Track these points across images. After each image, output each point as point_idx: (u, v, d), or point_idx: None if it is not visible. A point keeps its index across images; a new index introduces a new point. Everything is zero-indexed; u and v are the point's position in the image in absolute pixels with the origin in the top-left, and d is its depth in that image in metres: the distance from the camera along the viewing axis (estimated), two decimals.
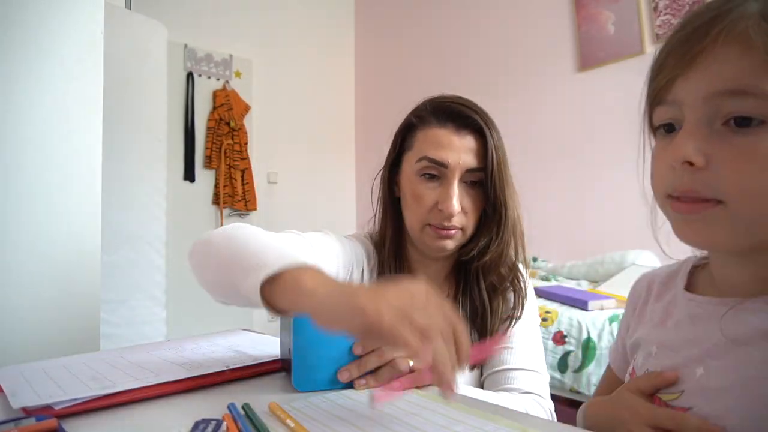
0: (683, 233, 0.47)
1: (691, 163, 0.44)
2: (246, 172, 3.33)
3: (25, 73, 0.97)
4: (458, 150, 0.82)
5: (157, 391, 0.59)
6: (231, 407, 0.53)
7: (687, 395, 0.49)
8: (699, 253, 0.57)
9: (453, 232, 0.83)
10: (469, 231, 0.85)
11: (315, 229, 0.89)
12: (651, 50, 2.26)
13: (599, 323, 1.80)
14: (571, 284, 2.28)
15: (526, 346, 0.86)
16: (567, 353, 1.86)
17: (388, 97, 3.75)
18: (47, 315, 0.97)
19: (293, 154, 3.62)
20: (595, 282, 2.28)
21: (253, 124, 3.41)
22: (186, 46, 3.14)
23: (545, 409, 0.81)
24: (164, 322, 1.78)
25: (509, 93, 2.91)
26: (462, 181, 0.83)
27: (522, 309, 0.88)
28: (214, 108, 3.24)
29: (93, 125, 1.05)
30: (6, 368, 0.68)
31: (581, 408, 0.62)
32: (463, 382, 0.85)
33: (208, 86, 3.24)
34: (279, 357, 0.69)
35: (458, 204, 0.81)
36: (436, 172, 0.83)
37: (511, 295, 0.89)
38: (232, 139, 3.27)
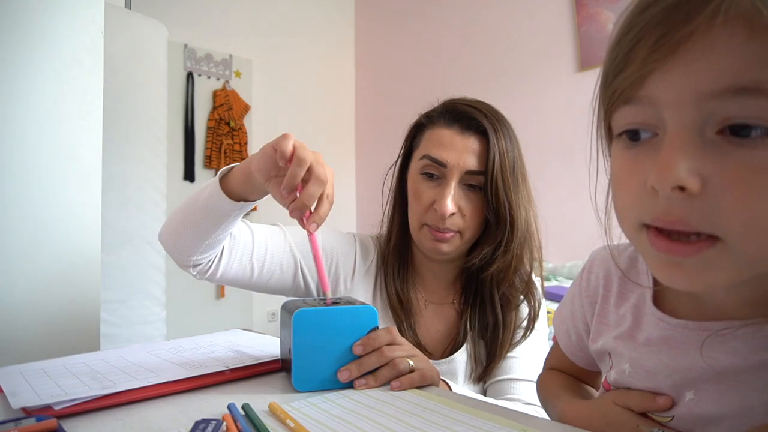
0: (668, 277, 0.37)
1: (682, 188, 0.33)
2: None
3: (25, 73, 0.97)
4: (459, 150, 0.81)
5: (157, 391, 0.59)
6: (231, 407, 0.53)
7: (679, 421, 0.44)
8: None
9: (449, 235, 0.82)
10: (468, 235, 0.84)
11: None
12: None
13: None
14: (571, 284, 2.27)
15: (532, 357, 0.86)
16: None
17: (388, 97, 3.75)
18: (47, 315, 0.97)
19: None
20: None
21: (253, 124, 3.40)
22: (186, 45, 3.14)
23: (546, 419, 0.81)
24: (164, 322, 1.78)
25: (509, 92, 2.91)
26: (462, 183, 0.82)
27: (535, 323, 0.88)
28: (214, 108, 3.23)
29: (93, 125, 1.05)
30: (6, 368, 0.68)
31: (557, 407, 0.60)
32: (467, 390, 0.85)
33: (208, 86, 3.24)
34: (279, 357, 0.69)
35: (453, 205, 0.81)
36: (436, 172, 0.83)
37: (525, 309, 0.88)
38: (232, 139, 3.27)
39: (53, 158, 1.00)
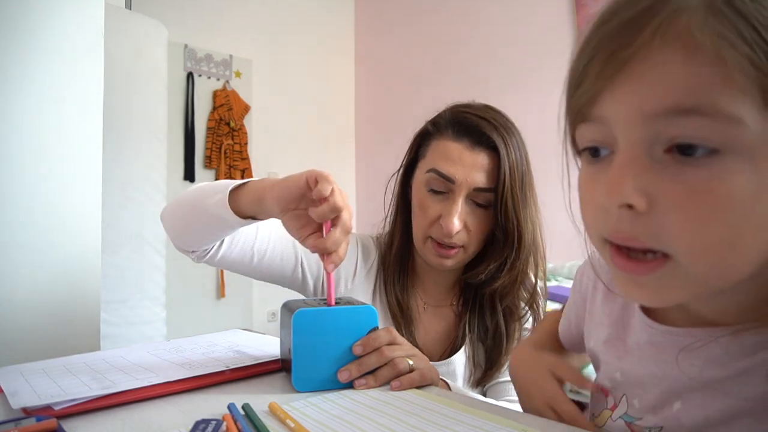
0: (629, 293, 0.39)
1: (630, 206, 0.34)
2: (246, 172, 3.32)
3: (26, 73, 0.97)
4: (468, 167, 0.79)
5: (157, 391, 0.59)
6: (231, 407, 0.53)
7: (668, 431, 0.44)
8: None
9: (453, 251, 0.82)
10: (472, 249, 0.83)
11: None
12: None
13: None
14: (571, 284, 2.27)
15: None
16: None
17: (389, 97, 3.75)
18: (47, 315, 0.97)
19: (293, 154, 3.62)
20: None
21: (253, 124, 3.40)
22: (186, 46, 3.14)
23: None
24: (164, 322, 1.78)
25: (509, 92, 2.90)
26: (469, 198, 0.81)
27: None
28: (214, 108, 3.23)
29: (93, 125, 1.05)
30: (6, 368, 0.68)
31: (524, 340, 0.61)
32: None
33: (208, 86, 3.24)
34: (279, 357, 0.69)
35: (460, 222, 0.79)
36: (443, 187, 0.81)
37: (529, 318, 0.88)
38: (232, 139, 3.27)
39: (53, 158, 0.99)
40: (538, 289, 0.88)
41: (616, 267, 0.38)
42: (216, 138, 3.22)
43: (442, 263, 0.83)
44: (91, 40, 1.05)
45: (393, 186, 0.93)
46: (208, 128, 3.21)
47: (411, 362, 0.62)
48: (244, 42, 3.40)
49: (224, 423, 0.49)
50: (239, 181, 0.72)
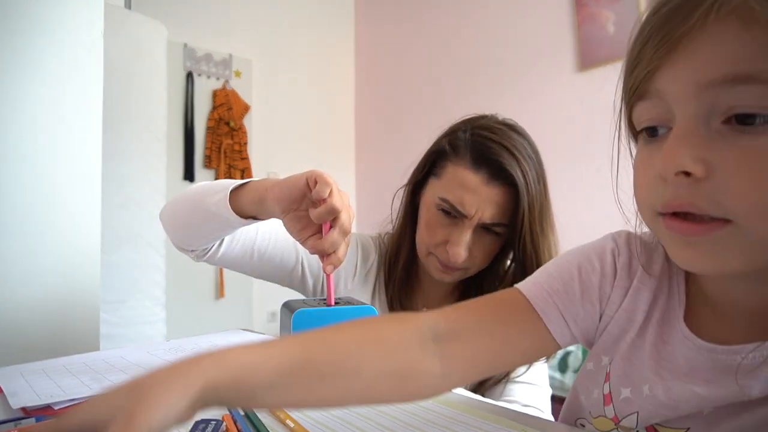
0: (685, 258, 0.38)
1: (687, 174, 0.35)
2: (246, 171, 3.32)
3: (25, 73, 0.97)
4: (483, 200, 0.77)
5: None
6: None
7: None
8: None
9: (455, 270, 0.83)
10: (475, 269, 0.84)
11: None
12: None
13: None
14: None
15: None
16: (567, 353, 1.86)
17: (388, 97, 3.75)
18: (47, 315, 0.97)
19: (293, 154, 3.62)
20: None
21: (252, 124, 3.40)
22: (185, 45, 3.14)
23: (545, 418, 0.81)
24: (164, 322, 1.78)
25: (509, 92, 2.90)
26: (478, 227, 0.79)
27: None
28: (214, 108, 3.23)
29: (93, 125, 1.05)
30: (6, 368, 0.68)
31: None
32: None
33: (207, 86, 3.24)
34: None
35: (466, 251, 0.79)
36: (453, 212, 0.79)
37: None
38: (232, 138, 3.27)
39: (53, 158, 0.99)
40: None
41: (671, 231, 0.37)
42: (215, 138, 3.22)
43: (444, 278, 0.85)
44: (91, 39, 1.05)
45: (401, 194, 0.91)
46: (208, 128, 3.21)
47: None
48: (243, 42, 3.40)
49: (224, 423, 0.49)
50: (240, 181, 0.72)
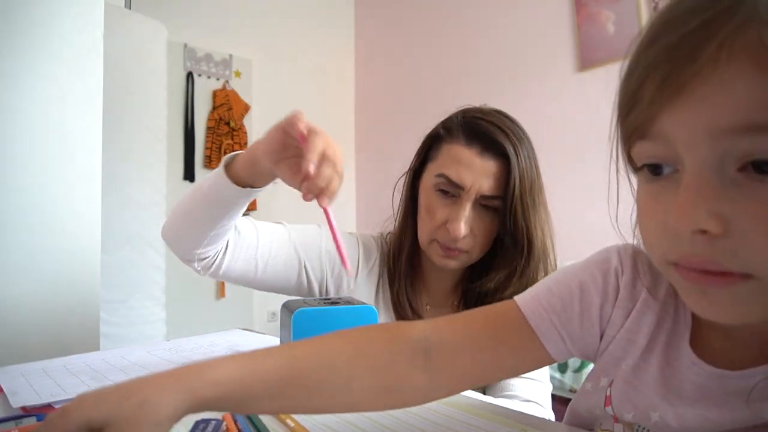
0: (702, 307, 0.36)
1: (704, 231, 0.32)
2: None
3: (25, 73, 0.97)
4: (478, 173, 0.79)
5: None
6: None
7: None
8: None
9: (457, 253, 0.82)
10: (476, 253, 0.84)
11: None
12: None
13: None
14: None
15: None
16: None
17: (388, 98, 3.75)
18: (47, 315, 0.97)
19: None
20: None
21: (252, 124, 3.40)
22: (186, 45, 3.14)
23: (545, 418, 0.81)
24: (164, 322, 1.78)
25: (509, 93, 2.91)
26: (477, 204, 0.81)
27: None
28: (214, 108, 3.23)
29: (93, 125, 1.05)
30: (6, 368, 0.68)
31: None
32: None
33: (207, 86, 3.24)
34: None
35: (466, 227, 0.79)
36: (452, 191, 0.81)
37: None
38: (232, 138, 3.27)
39: (53, 158, 1.00)
40: None
41: (687, 281, 0.35)
42: (216, 138, 3.22)
43: (446, 264, 0.84)
44: (91, 39, 1.05)
45: (401, 187, 0.92)
46: (208, 128, 3.21)
47: None
48: (244, 42, 3.40)
49: (224, 422, 0.49)
50: (230, 155, 0.75)
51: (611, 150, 0.40)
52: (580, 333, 0.48)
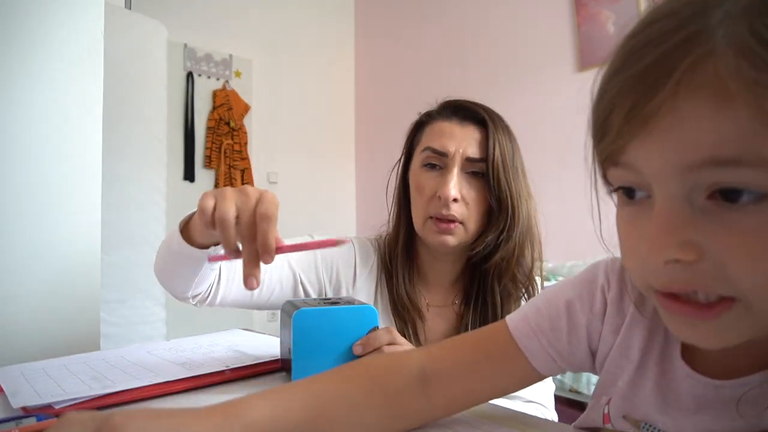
0: (686, 336, 0.36)
1: (677, 260, 0.32)
2: (246, 172, 3.33)
3: (25, 73, 0.97)
4: (459, 139, 0.83)
5: (157, 390, 0.59)
6: None
7: None
8: None
9: (453, 226, 0.82)
10: (472, 226, 0.84)
11: (314, 228, 0.90)
12: None
13: None
14: None
15: None
16: None
17: (388, 97, 3.75)
18: (47, 315, 0.97)
19: (293, 154, 3.62)
20: None
21: (252, 124, 3.41)
22: (186, 45, 3.14)
23: (548, 419, 0.81)
24: (164, 322, 1.78)
25: (509, 93, 2.91)
26: (464, 171, 0.83)
27: None
28: (214, 108, 3.24)
29: (93, 125, 1.05)
30: (6, 368, 0.68)
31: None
32: None
33: (207, 86, 3.24)
34: (279, 357, 0.69)
35: (456, 191, 0.81)
36: (438, 162, 0.84)
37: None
38: (232, 138, 3.27)
39: (53, 158, 0.99)
40: (536, 277, 0.88)
41: (669, 312, 0.35)
42: (216, 138, 3.22)
43: (444, 241, 0.83)
44: (91, 40, 1.05)
45: (393, 183, 0.95)
46: (208, 128, 3.22)
47: None
48: (244, 42, 3.40)
49: None
50: (186, 217, 0.70)
51: (591, 171, 0.39)
52: (569, 350, 0.50)
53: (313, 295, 0.88)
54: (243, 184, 3.31)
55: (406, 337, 0.74)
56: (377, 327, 0.64)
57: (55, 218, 0.99)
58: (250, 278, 0.54)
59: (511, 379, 0.51)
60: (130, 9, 1.99)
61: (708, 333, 0.34)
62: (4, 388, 0.59)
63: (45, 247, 0.98)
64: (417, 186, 0.87)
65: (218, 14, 3.30)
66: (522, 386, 0.52)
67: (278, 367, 0.69)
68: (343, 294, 0.90)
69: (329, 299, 0.70)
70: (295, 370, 0.61)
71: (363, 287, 0.91)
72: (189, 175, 3.13)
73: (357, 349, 0.62)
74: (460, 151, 0.83)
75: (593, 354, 0.50)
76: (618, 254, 0.40)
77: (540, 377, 0.51)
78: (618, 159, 0.34)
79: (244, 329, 0.95)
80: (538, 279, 0.89)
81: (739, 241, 0.30)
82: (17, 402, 0.54)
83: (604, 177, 0.38)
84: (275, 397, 0.44)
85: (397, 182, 0.94)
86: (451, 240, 0.83)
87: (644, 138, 0.32)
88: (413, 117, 0.93)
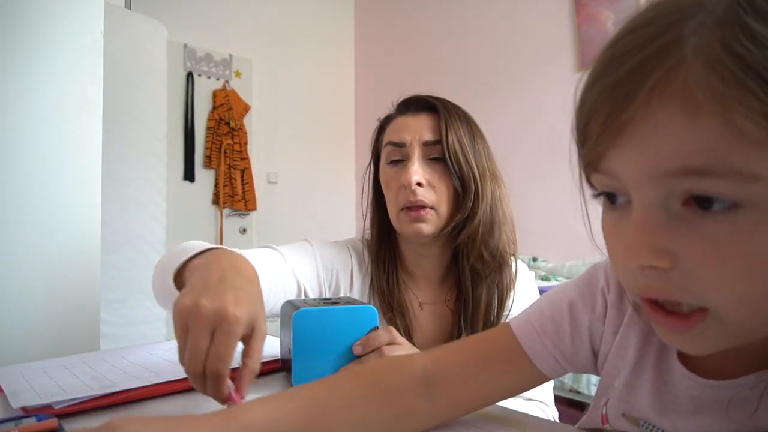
0: (672, 343, 0.38)
1: (653, 266, 0.33)
2: (246, 171, 3.33)
3: (25, 72, 0.97)
4: (414, 128, 0.87)
5: (157, 390, 0.59)
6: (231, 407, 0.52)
7: None
8: None
9: (424, 212, 0.83)
10: (443, 210, 0.85)
11: (314, 228, 0.90)
12: None
13: None
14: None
15: None
16: None
17: (388, 97, 3.75)
18: (47, 315, 0.97)
19: (293, 154, 3.62)
20: None
21: (252, 123, 3.41)
22: (186, 45, 3.14)
23: (549, 416, 0.81)
24: (164, 322, 1.78)
25: (509, 93, 2.91)
26: (426, 158, 0.86)
27: (511, 306, 0.87)
28: (214, 108, 3.23)
29: (93, 125, 1.05)
30: (6, 368, 0.68)
31: None
32: None
33: (207, 86, 3.24)
34: (279, 357, 0.69)
35: (419, 175, 0.83)
36: (399, 155, 0.87)
37: (496, 290, 0.87)
38: (232, 138, 3.27)
39: (53, 158, 0.99)
40: (511, 258, 0.88)
41: (654, 322, 0.36)
42: (216, 138, 3.22)
43: (419, 229, 0.84)
44: (91, 39, 1.05)
45: (367, 189, 0.98)
46: (208, 128, 3.21)
47: None
48: (244, 42, 3.40)
49: None
50: (179, 264, 0.64)
51: (578, 174, 0.40)
52: (573, 351, 0.50)
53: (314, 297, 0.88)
54: (243, 184, 3.31)
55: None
56: (377, 327, 0.64)
57: (55, 218, 0.99)
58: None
59: (516, 381, 0.51)
60: (130, 9, 1.99)
61: (688, 342, 0.36)
62: (3, 388, 0.59)
63: (45, 246, 0.98)
64: (385, 182, 0.89)
65: (218, 14, 3.30)
66: (526, 388, 0.52)
67: (278, 367, 0.69)
68: (342, 296, 0.90)
69: (329, 299, 0.70)
70: (295, 370, 0.61)
71: (359, 290, 0.91)
72: (189, 175, 3.13)
73: (357, 349, 0.62)
74: (417, 137, 0.86)
75: (596, 355, 0.51)
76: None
77: (544, 379, 0.51)
78: (598, 165, 0.35)
79: None
80: (518, 264, 0.89)
81: (709, 249, 0.31)
82: (17, 402, 0.54)
83: (588, 181, 0.39)
84: (273, 401, 0.44)
85: (371, 186, 0.97)
86: (425, 228, 0.84)
87: (621, 146, 0.32)
88: None
